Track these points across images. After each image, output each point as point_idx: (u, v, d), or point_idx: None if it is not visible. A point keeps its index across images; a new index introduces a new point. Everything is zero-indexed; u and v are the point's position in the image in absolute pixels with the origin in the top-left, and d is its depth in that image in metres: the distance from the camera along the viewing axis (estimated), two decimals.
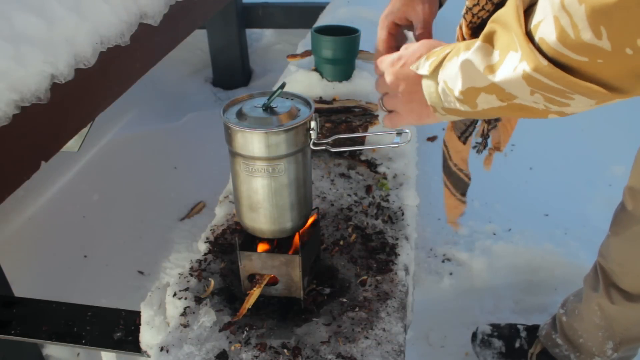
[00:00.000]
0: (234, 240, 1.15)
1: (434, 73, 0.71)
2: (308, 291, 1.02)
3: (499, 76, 0.58)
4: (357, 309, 0.98)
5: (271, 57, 3.44)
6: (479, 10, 0.80)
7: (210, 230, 1.21)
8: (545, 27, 0.52)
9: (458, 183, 1.27)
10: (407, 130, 0.90)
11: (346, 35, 1.43)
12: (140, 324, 1.07)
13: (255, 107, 0.89)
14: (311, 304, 1.00)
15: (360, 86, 1.49)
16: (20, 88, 1.09)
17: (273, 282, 0.98)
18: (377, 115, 1.44)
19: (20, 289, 1.42)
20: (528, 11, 0.56)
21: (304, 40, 2.00)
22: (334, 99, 1.46)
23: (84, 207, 2.20)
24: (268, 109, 0.88)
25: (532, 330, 1.56)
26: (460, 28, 0.88)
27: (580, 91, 0.53)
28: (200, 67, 3.47)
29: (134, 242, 2.05)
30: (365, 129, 1.42)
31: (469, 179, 1.26)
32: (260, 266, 0.96)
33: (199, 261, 1.12)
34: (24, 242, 2.00)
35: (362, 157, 1.43)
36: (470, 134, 1.17)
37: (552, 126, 2.55)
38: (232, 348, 0.91)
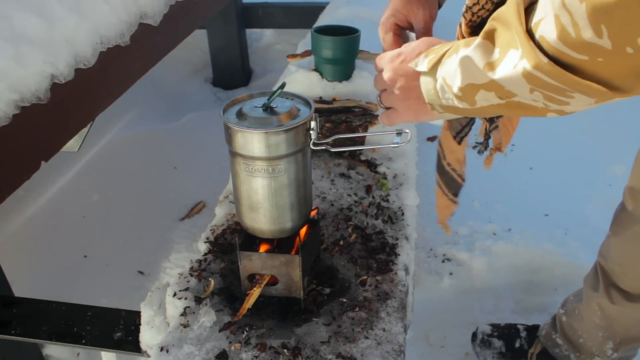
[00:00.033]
0: (234, 240, 1.15)
1: (433, 70, 0.71)
2: (308, 291, 1.02)
3: (499, 73, 0.58)
4: (357, 309, 0.98)
5: (271, 57, 3.44)
6: (479, 10, 0.80)
7: (210, 230, 1.21)
8: (545, 26, 0.52)
9: (451, 183, 1.26)
10: (407, 130, 0.90)
11: (346, 35, 1.43)
12: (140, 324, 1.07)
13: (255, 107, 0.89)
14: (311, 304, 1.00)
15: (360, 86, 1.49)
16: (20, 88, 1.09)
17: (273, 282, 0.98)
18: (377, 115, 1.44)
19: (20, 289, 1.42)
20: (528, 9, 0.56)
21: (304, 40, 2.00)
22: (334, 99, 1.46)
23: (84, 207, 2.20)
24: (268, 109, 0.88)
25: (532, 330, 1.56)
26: (460, 27, 0.88)
27: (580, 89, 0.53)
28: (200, 67, 3.47)
29: (134, 242, 2.05)
30: (365, 129, 1.42)
31: (463, 180, 1.25)
32: (260, 266, 0.96)
33: (199, 261, 1.12)
34: (24, 242, 2.00)
35: (362, 157, 1.43)
36: (466, 134, 1.17)
37: (552, 126, 2.55)
38: (232, 348, 0.91)
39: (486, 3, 0.78)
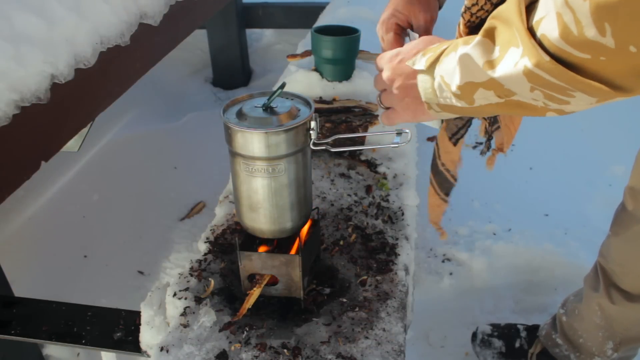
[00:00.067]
0: (234, 240, 1.15)
1: (431, 68, 0.70)
2: (308, 291, 1.02)
3: (499, 71, 0.58)
4: (357, 309, 0.98)
5: (271, 57, 3.44)
6: (478, 10, 0.80)
7: (210, 230, 1.21)
8: (547, 24, 0.51)
9: (443, 183, 1.27)
10: (407, 130, 0.89)
11: (346, 35, 1.43)
12: (140, 324, 1.07)
13: (255, 107, 0.89)
14: (311, 304, 1.00)
15: (360, 86, 1.49)
16: (20, 88, 1.09)
17: (273, 282, 0.98)
18: (377, 115, 1.44)
19: (20, 289, 1.42)
20: (529, 7, 0.55)
21: (304, 40, 2.00)
22: (334, 99, 1.46)
23: (84, 207, 2.20)
24: (268, 109, 0.88)
25: (532, 330, 1.56)
26: (459, 27, 0.88)
27: (582, 88, 0.53)
28: (200, 67, 3.47)
29: (134, 242, 2.05)
30: (365, 129, 1.42)
31: (455, 180, 1.26)
32: (260, 266, 0.96)
33: (199, 261, 1.12)
34: (24, 242, 2.00)
35: (362, 157, 1.43)
36: (462, 136, 1.17)
37: (552, 126, 2.55)
38: (232, 348, 0.91)
39: (485, 4, 0.78)
